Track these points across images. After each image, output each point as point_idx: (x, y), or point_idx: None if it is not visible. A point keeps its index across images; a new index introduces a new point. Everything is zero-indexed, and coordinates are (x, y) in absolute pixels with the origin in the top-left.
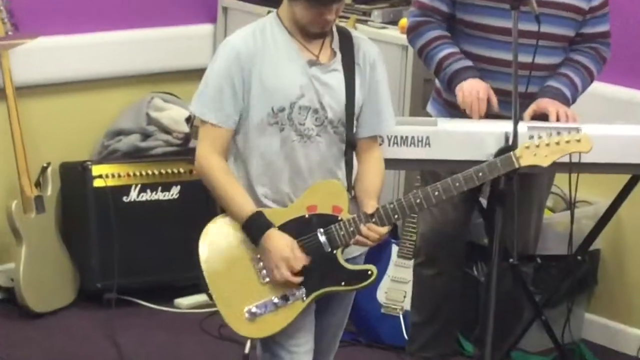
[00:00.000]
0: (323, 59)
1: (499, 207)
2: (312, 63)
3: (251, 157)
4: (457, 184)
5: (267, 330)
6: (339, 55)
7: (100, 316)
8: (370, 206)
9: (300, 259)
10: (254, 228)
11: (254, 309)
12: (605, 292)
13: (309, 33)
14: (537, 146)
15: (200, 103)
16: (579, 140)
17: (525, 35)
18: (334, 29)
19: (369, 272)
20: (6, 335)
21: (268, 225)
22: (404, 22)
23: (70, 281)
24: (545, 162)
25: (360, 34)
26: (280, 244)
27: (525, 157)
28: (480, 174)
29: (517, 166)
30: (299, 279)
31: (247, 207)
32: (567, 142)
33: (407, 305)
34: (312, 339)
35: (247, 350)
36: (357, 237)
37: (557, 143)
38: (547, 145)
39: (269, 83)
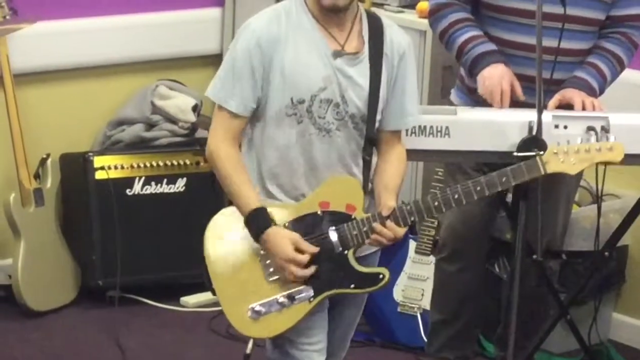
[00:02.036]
0: (349, 48)
1: (523, 201)
2: (337, 54)
3: (266, 149)
4: (479, 188)
5: (271, 331)
6: (366, 46)
7: (103, 315)
8: (386, 207)
9: (304, 257)
10: (253, 225)
11: (257, 307)
12: (634, 290)
13: (322, 9)
14: (566, 152)
15: (219, 89)
16: (610, 149)
17: (550, 18)
18: (364, 15)
19: (381, 276)
20: (4, 335)
21: (267, 223)
22: (422, 5)
23: (71, 278)
24: (573, 170)
25: (392, 22)
26: (281, 244)
27: (552, 164)
28: (504, 179)
29: (542, 173)
30: (310, 271)
31: (252, 201)
32: (598, 149)
33: (424, 304)
34: (325, 337)
35: (248, 350)
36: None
37: (587, 150)
38: (577, 152)
39: (290, 72)
